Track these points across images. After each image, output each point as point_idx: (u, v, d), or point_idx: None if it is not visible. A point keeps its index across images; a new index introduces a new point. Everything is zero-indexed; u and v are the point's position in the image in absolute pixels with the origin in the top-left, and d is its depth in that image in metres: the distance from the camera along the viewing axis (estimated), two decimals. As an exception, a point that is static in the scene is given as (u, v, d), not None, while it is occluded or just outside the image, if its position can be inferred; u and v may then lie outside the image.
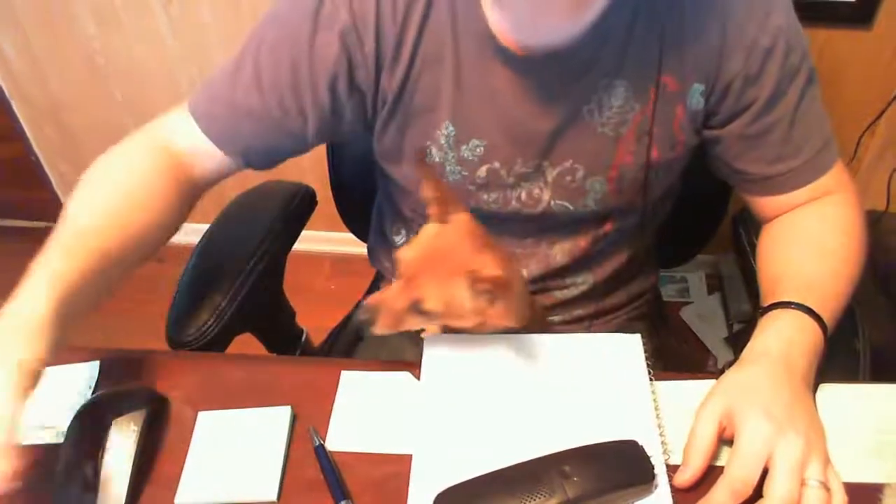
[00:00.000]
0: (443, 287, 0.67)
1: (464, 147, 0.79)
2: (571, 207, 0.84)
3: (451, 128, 0.78)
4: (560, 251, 0.90)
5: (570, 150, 0.80)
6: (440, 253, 0.69)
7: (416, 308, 0.68)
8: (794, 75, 0.75)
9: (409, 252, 0.70)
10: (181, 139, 0.80)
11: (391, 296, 0.69)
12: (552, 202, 0.83)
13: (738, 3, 0.73)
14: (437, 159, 0.81)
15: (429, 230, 0.71)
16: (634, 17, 0.73)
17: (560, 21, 0.65)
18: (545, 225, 0.87)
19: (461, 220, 0.71)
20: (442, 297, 0.67)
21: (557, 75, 0.75)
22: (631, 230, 0.90)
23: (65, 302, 0.64)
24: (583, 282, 0.95)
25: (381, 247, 1.05)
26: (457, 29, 0.74)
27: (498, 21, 0.67)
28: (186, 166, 0.81)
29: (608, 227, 0.88)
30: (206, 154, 0.81)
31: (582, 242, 0.89)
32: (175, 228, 0.80)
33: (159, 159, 0.79)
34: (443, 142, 0.79)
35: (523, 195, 0.83)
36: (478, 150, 0.79)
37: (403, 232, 0.97)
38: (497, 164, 0.80)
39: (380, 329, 0.70)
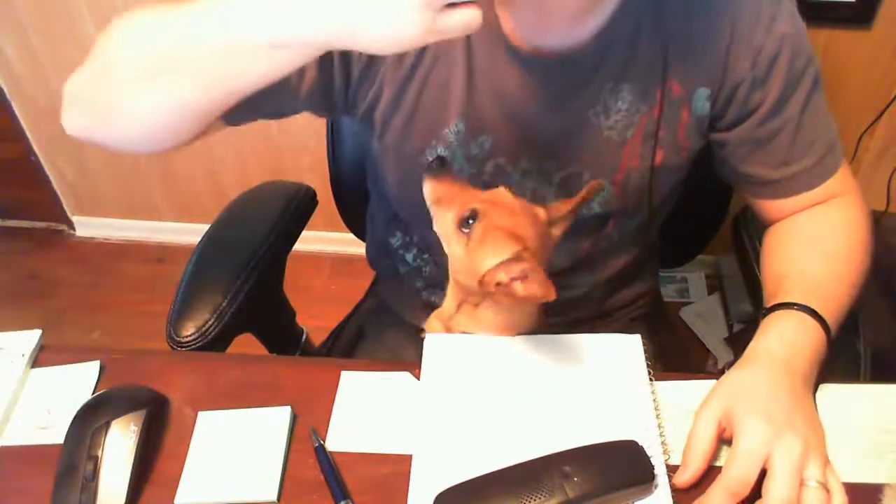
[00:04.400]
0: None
1: (472, 143, 0.80)
2: None
3: (461, 125, 0.78)
4: (562, 252, 0.90)
5: (576, 151, 0.80)
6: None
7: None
8: (800, 79, 0.76)
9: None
10: None
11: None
12: None
13: (745, 9, 0.73)
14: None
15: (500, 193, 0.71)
16: (639, 23, 0.74)
17: (566, 25, 0.67)
18: None
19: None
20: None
21: (565, 78, 0.76)
22: (633, 232, 0.90)
23: None
24: (583, 283, 0.94)
25: (378, 251, 1.05)
26: None
27: (508, 20, 0.70)
28: None
29: (610, 228, 0.88)
30: None
31: (584, 244, 0.89)
32: None
33: None
34: (451, 139, 0.79)
35: (528, 196, 0.83)
36: (485, 144, 0.80)
37: (399, 234, 0.97)
38: (503, 160, 0.81)
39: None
